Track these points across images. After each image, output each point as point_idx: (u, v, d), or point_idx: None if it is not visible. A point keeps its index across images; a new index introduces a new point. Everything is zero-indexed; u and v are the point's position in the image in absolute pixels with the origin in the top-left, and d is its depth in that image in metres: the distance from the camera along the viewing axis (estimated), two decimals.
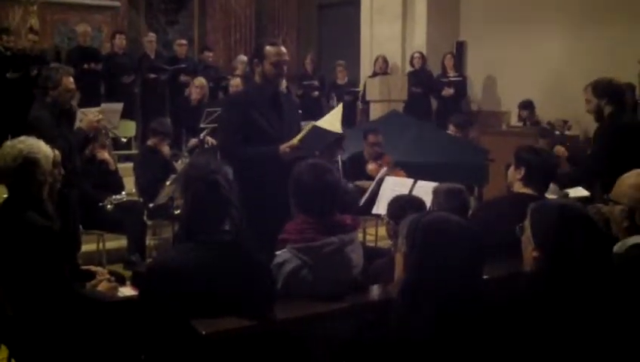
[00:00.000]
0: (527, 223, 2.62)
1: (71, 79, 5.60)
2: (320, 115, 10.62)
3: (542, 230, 2.54)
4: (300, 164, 3.29)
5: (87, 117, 5.65)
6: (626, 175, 3.01)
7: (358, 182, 6.63)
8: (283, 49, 4.47)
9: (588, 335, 2.37)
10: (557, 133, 8.41)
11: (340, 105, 4.67)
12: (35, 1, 10.75)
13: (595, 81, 5.46)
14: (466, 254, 2.35)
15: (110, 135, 6.54)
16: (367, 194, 6.35)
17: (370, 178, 6.61)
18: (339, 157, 6.16)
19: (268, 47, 4.43)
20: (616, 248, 2.96)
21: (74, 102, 5.86)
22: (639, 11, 9.29)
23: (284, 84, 5.62)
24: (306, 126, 4.35)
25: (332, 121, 4.45)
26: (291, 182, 3.22)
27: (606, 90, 5.38)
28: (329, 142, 4.73)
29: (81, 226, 6.13)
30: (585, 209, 2.65)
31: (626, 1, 9.62)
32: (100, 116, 5.76)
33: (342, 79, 11.78)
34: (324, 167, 3.24)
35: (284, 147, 4.26)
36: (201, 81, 9.58)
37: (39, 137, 3.73)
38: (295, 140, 4.25)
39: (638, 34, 9.15)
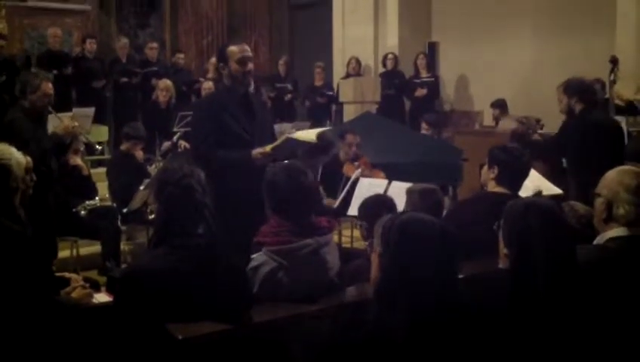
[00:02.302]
0: (502, 222, 2.66)
1: (50, 85, 5.64)
2: (293, 118, 10.65)
3: (509, 228, 2.59)
4: (274, 166, 3.28)
5: (63, 122, 5.64)
6: (611, 170, 3.10)
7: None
8: (246, 47, 4.46)
9: (556, 332, 2.40)
10: (530, 131, 8.47)
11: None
12: (4, 5, 10.62)
13: (567, 80, 5.60)
14: (441, 254, 2.36)
15: (83, 140, 6.46)
16: (341, 196, 6.35)
17: (347, 179, 6.58)
18: (319, 166, 6.11)
19: (230, 48, 4.42)
20: (596, 240, 3.04)
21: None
22: (609, 14, 9.39)
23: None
24: (281, 137, 4.35)
25: (308, 133, 4.47)
26: (265, 184, 3.21)
27: (576, 89, 5.52)
28: (301, 150, 4.71)
29: None
30: (553, 206, 2.68)
31: (596, 4, 9.72)
32: (75, 122, 5.74)
33: (319, 81, 11.74)
34: (299, 169, 3.23)
35: (256, 153, 4.24)
36: (166, 83, 9.51)
37: (12, 142, 3.69)
38: (268, 148, 4.25)
39: (608, 35, 9.24)
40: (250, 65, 4.45)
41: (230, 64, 4.38)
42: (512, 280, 2.53)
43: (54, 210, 5.71)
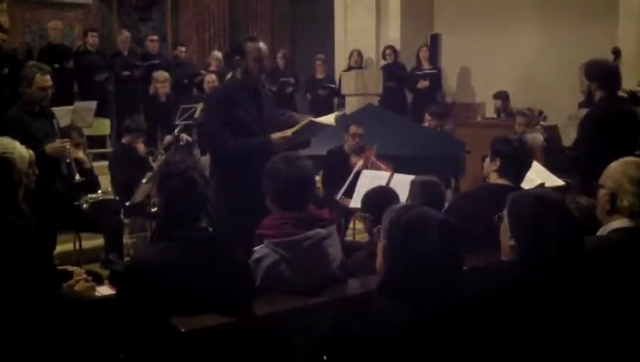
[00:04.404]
0: (505, 213, 2.65)
1: (46, 77, 5.61)
2: (294, 111, 10.62)
3: (518, 220, 2.58)
4: (273, 158, 3.28)
5: (54, 143, 5.60)
6: (614, 162, 3.08)
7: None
8: (263, 44, 4.51)
9: (563, 324, 2.40)
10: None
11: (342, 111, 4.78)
12: None
13: (589, 62, 5.26)
14: (445, 251, 2.36)
15: (73, 158, 6.22)
16: (344, 188, 6.35)
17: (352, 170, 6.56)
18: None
19: (249, 44, 4.47)
20: (599, 231, 3.05)
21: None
22: (611, 4, 9.37)
23: None
24: (302, 120, 4.40)
25: (327, 117, 4.53)
26: (265, 174, 3.21)
27: (597, 74, 5.16)
28: (319, 133, 4.75)
29: None
30: (561, 199, 2.68)
31: None
32: (67, 143, 5.70)
33: (320, 73, 11.72)
34: (298, 157, 3.24)
35: (276, 136, 4.28)
36: (163, 75, 9.48)
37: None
38: (289, 132, 4.29)
39: (611, 26, 9.22)
40: (266, 63, 4.51)
41: (247, 60, 4.44)
42: (520, 271, 2.52)
43: (56, 204, 5.72)
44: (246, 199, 4.12)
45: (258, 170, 3.35)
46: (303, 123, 4.35)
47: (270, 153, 4.03)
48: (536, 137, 7.35)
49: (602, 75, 5.17)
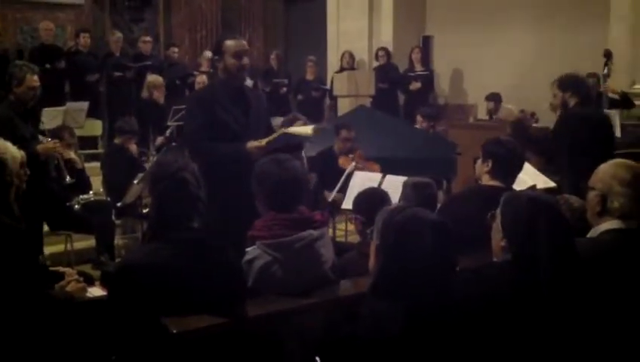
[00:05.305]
0: (498, 212, 2.66)
1: (35, 77, 5.60)
2: (287, 111, 10.66)
3: (511, 221, 2.59)
4: (261, 160, 3.28)
5: (44, 143, 5.60)
6: (604, 164, 3.10)
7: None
8: (243, 41, 4.45)
9: (555, 325, 2.41)
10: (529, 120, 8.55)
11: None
12: None
13: (560, 76, 5.65)
14: (438, 252, 2.37)
15: (61, 160, 6.16)
16: (336, 189, 6.35)
17: (342, 172, 6.57)
18: (303, 154, 6.09)
19: (227, 42, 4.41)
20: (589, 233, 3.05)
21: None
22: (602, 7, 9.40)
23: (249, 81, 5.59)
24: (277, 131, 4.36)
25: (304, 128, 4.48)
26: (255, 179, 3.21)
27: (571, 83, 5.55)
28: (296, 143, 4.70)
29: (48, 227, 6.08)
30: (553, 201, 2.69)
31: None
32: (58, 143, 5.70)
33: (311, 75, 11.74)
34: (286, 158, 3.24)
35: (251, 146, 4.23)
36: (159, 80, 9.43)
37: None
38: (263, 142, 4.24)
39: (603, 28, 9.25)
40: (246, 60, 4.44)
41: (226, 58, 4.38)
42: (512, 272, 2.53)
43: (43, 205, 5.71)
44: (233, 200, 4.10)
45: (247, 171, 3.34)
46: (277, 133, 4.31)
47: (245, 161, 4.02)
48: (511, 110, 7.73)
49: (574, 83, 5.61)
